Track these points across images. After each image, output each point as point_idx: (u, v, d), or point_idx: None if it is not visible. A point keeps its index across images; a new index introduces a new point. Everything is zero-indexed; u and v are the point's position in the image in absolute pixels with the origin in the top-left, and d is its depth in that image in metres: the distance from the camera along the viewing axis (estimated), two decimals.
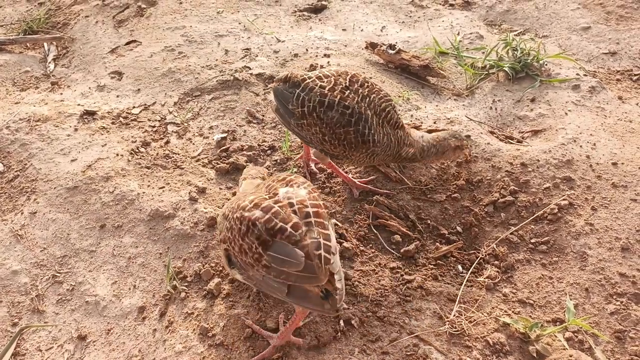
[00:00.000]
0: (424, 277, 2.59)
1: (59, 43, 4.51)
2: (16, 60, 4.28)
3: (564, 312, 2.42)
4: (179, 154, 3.29)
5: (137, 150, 3.28)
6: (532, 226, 2.77)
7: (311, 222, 1.98)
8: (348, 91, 2.61)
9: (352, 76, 2.67)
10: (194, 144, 3.38)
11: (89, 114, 3.55)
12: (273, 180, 2.21)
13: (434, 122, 3.30)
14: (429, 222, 2.86)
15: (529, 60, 3.71)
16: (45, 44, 4.49)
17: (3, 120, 3.49)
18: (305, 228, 1.97)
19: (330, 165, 2.91)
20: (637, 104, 3.44)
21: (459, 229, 2.83)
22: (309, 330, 2.30)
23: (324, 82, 2.64)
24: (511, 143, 3.20)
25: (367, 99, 2.61)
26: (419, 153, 2.74)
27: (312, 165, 3.08)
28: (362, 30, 4.42)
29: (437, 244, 2.76)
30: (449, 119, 3.33)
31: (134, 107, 3.69)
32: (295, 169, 3.06)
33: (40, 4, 5.00)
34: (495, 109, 3.52)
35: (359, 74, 2.71)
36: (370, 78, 3.67)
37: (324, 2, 4.77)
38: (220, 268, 2.59)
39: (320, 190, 2.97)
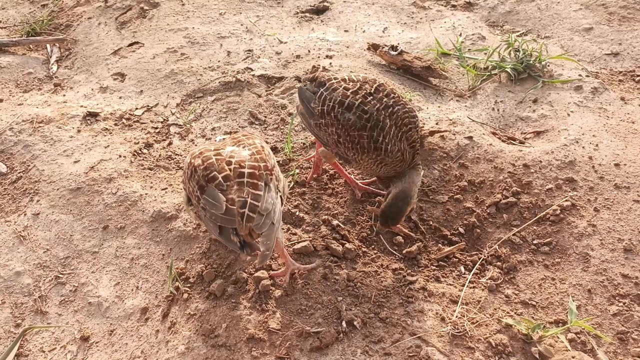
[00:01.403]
0: (426, 278, 2.60)
1: (61, 45, 4.52)
2: (19, 62, 4.30)
3: (567, 313, 2.42)
4: (181, 155, 3.30)
5: (139, 152, 3.29)
6: (535, 227, 2.77)
7: (243, 182, 2.19)
8: (371, 97, 2.57)
9: (379, 85, 2.63)
10: (196, 145, 3.38)
11: (92, 116, 3.56)
12: (230, 137, 2.48)
13: (437, 123, 3.30)
14: (431, 223, 2.86)
15: (531, 61, 3.71)
16: (48, 46, 4.50)
17: (6, 121, 3.50)
18: (237, 186, 2.18)
19: (335, 165, 2.91)
20: (639, 105, 3.44)
21: (461, 230, 2.83)
22: (312, 332, 2.31)
23: (348, 84, 2.62)
24: (513, 144, 3.20)
25: (391, 109, 2.56)
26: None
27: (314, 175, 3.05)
28: (364, 31, 4.42)
29: (440, 245, 2.76)
30: (451, 120, 3.33)
31: (136, 108, 3.70)
32: (297, 170, 3.07)
33: (43, 5, 5.02)
34: (498, 110, 3.52)
35: (388, 84, 2.66)
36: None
37: (325, 4, 4.77)
38: (223, 269, 2.60)
39: (322, 191, 2.97)
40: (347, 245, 2.66)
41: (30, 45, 4.53)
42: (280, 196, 2.34)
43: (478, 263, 2.67)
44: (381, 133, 2.52)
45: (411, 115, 2.61)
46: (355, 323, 2.34)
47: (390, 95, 2.60)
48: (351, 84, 2.63)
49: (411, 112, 2.62)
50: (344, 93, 2.59)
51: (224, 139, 2.57)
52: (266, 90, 3.76)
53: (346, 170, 3.02)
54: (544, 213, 2.79)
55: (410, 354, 2.25)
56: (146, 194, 2.98)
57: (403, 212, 2.52)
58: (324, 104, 2.63)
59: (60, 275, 2.73)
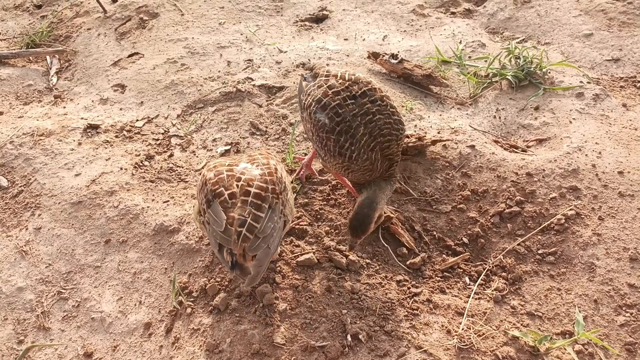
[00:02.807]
0: (431, 289, 2.58)
1: (61, 56, 4.51)
2: (19, 74, 4.29)
3: (573, 324, 2.41)
4: (182, 167, 3.29)
5: (141, 164, 3.28)
6: (539, 237, 2.75)
7: (247, 201, 2.18)
8: (352, 101, 2.49)
9: (370, 89, 2.54)
10: (197, 156, 3.37)
11: (93, 128, 3.55)
12: (247, 154, 2.50)
13: (438, 132, 3.29)
14: (434, 233, 2.85)
15: (532, 68, 3.70)
16: (47, 57, 4.50)
17: (7, 134, 3.49)
18: (241, 204, 2.18)
19: (337, 174, 2.90)
20: None
21: (465, 240, 2.82)
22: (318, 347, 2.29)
23: (337, 81, 2.56)
24: (516, 152, 3.19)
25: (370, 117, 2.47)
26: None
27: (302, 172, 3.06)
28: (363, 39, 4.42)
29: (444, 255, 2.75)
30: (452, 128, 3.32)
31: (137, 120, 3.69)
32: (299, 181, 3.05)
33: (43, 17, 5.01)
34: (499, 117, 3.51)
35: (382, 91, 2.58)
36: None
37: (325, 12, 4.77)
38: (226, 283, 2.58)
39: (325, 202, 2.96)
40: (351, 256, 2.64)
41: (30, 57, 4.52)
42: (284, 221, 2.33)
43: (483, 274, 2.65)
44: (349, 139, 2.45)
45: (394, 127, 2.51)
46: (360, 337, 2.32)
47: (377, 102, 2.51)
48: (340, 81, 2.55)
49: (395, 123, 2.52)
50: (325, 92, 2.53)
51: (228, 150, 2.60)
52: (267, 100, 3.76)
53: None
54: (548, 222, 2.77)
55: None
56: (148, 207, 2.97)
57: (370, 219, 2.43)
58: (306, 98, 2.62)
59: (63, 291, 2.71)
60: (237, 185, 2.23)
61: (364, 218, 2.43)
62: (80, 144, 3.42)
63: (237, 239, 2.12)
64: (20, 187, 3.19)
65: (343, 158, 2.48)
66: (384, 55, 3.93)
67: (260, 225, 2.15)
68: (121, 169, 3.21)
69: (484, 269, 2.68)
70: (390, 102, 2.57)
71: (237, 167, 2.33)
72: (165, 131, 3.59)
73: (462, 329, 2.38)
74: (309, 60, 4.10)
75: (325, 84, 2.57)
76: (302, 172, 3.04)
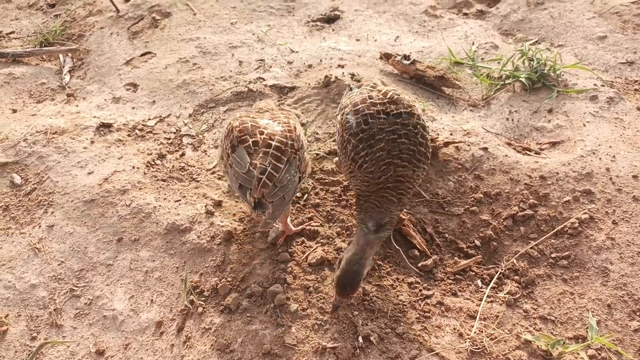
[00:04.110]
0: (442, 292, 2.57)
1: (74, 55, 4.54)
2: (33, 72, 4.32)
3: (586, 328, 2.39)
4: (194, 167, 3.29)
5: (153, 163, 3.29)
6: (553, 240, 2.73)
7: (268, 152, 2.37)
8: (384, 116, 2.46)
9: (407, 112, 2.48)
10: (209, 156, 3.38)
11: (105, 126, 3.57)
12: (270, 113, 2.71)
13: (451, 134, 3.28)
14: (446, 235, 2.84)
15: (545, 71, 3.68)
16: (60, 56, 4.53)
17: (20, 132, 3.52)
18: (262, 154, 2.37)
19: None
20: None
21: (477, 243, 2.80)
22: (329, 348, 2.29)
23: (376, 95, 2.55)
24: (529, 155, 3.17)
25: (395, 136, 2.41)
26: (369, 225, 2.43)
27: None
28: (375, 40, 4.41)
29: (456, 258, 2.74)
30: (465, 130, 3.30)
31: (149, 119, 3.71)
32: (310, 182, 3.05)
33: (56, 15, 5.05)
34: (512, 120, 3.49)
35: (417, 119, 2.49)
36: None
37: (337, 12, 4.77)
38: (237, 282, 2.58)
39: (336, 203, 2.95)
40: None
41: (44, 56, 4.56)
42: (300, 176, 2.50)
43: (495, 277, 2.63)
44: (366, 148, 2.42)
45: (415, 157, 2.43)
46: (371, 338, 2.32)
47: (408, 127, 2.44)
48: (380, 96, 2.54)
49: (419, 154, 2.44)
50: (364, 99, 2.55)
51: (262, 109, 2.85)
52: (279, 100, 3.76)
53: None
54: (561, 226, 2.75)
55: None
56: (160, 205, 2.98)
57: (360, 277, 2.28)
58: (345, 101, 2.66)
59: (75, 288, 2.72)
60: (261, 138, 2.42)
61: (354, 276, 2.27)
62: (92, 142, 3.44)
63: (257, 184, 2.28)
64: (34, 184, 3.22)
65: (354, 164, 2.47)
66: (396, 56, 3.92)
67: (278, 175, 2.32)
68: (133, 167, 3.23)
69: (497, 272, 2.66)
70: (424, 133, 2.49)
71: (261, 120, 2.54)
72: (177, 130, 3.60)
73: (475, 332, 2.36)
74: (320, 61, 4.10)
75: (367, 93, 2.58)
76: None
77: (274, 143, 2.40)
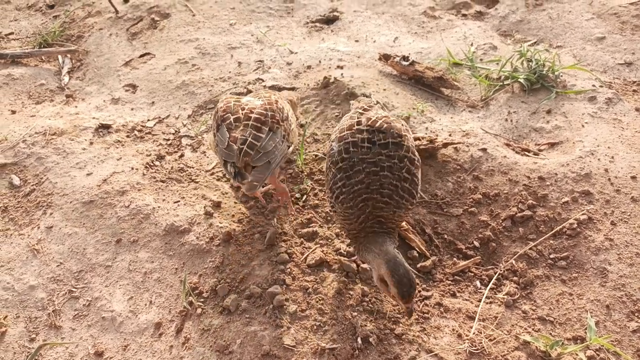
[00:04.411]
0: (441, 293, 2.57)
1: (73, 56, 4.54)
2: (32, 74, 4.32)
3: (585, 329, 2.39)
4: (193, 168, 3.29)
5: (152, 164, 3.29)
6: (551, 241, 2.73)
7: (248, 124, 2.53)
8: (369, 145, 2.29)
9: (395, 143, 2.30)
10: (208, 157, 3.38)
11: (104, 127, 3.57)
12: (254, 92, 2.95)
13: (449, 135, 3.28)
14: (445, 236, 2.84)
15: (544, 72, 3.68)
16: (60, 57, 4.52)
17: (19, 134, 3.51)
18: (243, 127, 2.53)
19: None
20: None
21: (476, 243, 2.80)
22: (328, 349, 2.29)
23: (363, 121, 2.38)
24: (528, 156, 3.17)
25: (376, 169, 2.24)
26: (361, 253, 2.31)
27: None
28: (374, 41, 4.41)
29: (455, 259, 2.74)
30: (464, 131, 3.30)
31: (148, 120, 3.71)
32: (309, 182, 3.05)
33: (55, 17, 5.05)
34: (511, 120, 3.49)
35: (406, 151, 2.30)
36: (384, 89, 3.67)
37: (336, 13, 4.77)
38: (236, 284, 2.58)
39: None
40: (363, 265, 2.63)
41: (43, 57, 4.56)
42: (288, 145, 2.65)
43: (494, 278, 2.64)
44: (344, 179, 2.26)
45: (398, 193, 2.24)
46: (370, 339, 2.32)
47: (393, 159, 2.26)
48: (369, 123, 2.37)
49: (403, 190, 2.25)
50: (351, 124, 2.40)
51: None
52: None
53: None
54: (560, 227, 2.76)
55: None
56: (159, 207, 2.98)
57: (409, 271, 2.09)
58: (338, 126, 2.54)
59: (74, 290, 2.72)
60: (242, 114, 2.58)
61: (408, 276, 2.07)
62: (91, 143, 3.44)
63: (239, 154, 2.44)
64: (32, 185, 3.21)
65: (332, 194, 2.33)
66: (395, 57, 3.92)
67: (260, 143, 2.47)
68: (132, 168, 3.23)
69: (495, 273, 2.66)
70: (410, 167, 2.29)
71: (243, 99, 2.73)
72: (176, 131, 3.60)
73: (473, 333, 2.37)
74: (319, 62, 4.10)
75: (356, 119, 2.43)
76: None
77: (253, 115, 2.56)
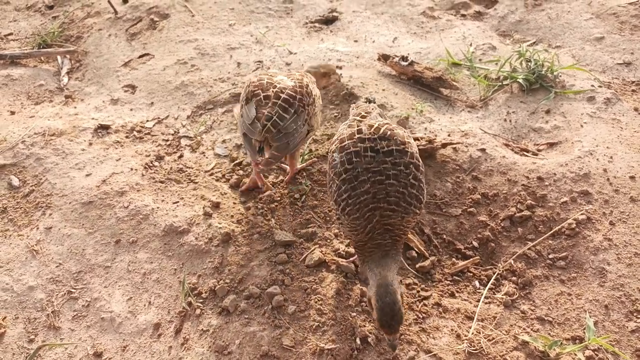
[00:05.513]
0: (440, 293, 2.57)
1: (72, 56, 4.54)
2: (31, 74, 4.32)
3: (584, 329, 2.39)
4: (192, 168, 3.29)
5: (151, 165, 3.29)
6: (550, 241, 2.74)
7: (276, 103, 2.65)
8: (372, 154, 2.23)
9: (399, 150, 2.25)
10: (207, 157, 3.38)
11: (103, 128, 3.57)
12: (288, 73, 2.98)
13: (448, 135, 3.28)
14: (444, 236, 2.84)
15: (543, 72, 3.68)
16: (59, 58, 4.52)
17: (18, 134, 3.51)
18: (271, 105, 2.65)
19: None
20: None
21: (475, 244, 2.81)
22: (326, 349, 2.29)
23: (365, 129, 2.32)
24: (527, 156, 3.18)
25: (382, 177, 2.19)
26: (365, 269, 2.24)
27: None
28: (373, 41, 4.42)
29: (453, 259, 2.74)
30: (463, 131, 3.31)
31: (147, 120, 3.71)
32: (308, 182, 3.05)
33: (54, 17, 5.05)
34: (510, 121, 3.50)
35: (410, 157, 2.26)
36: (383, 90, 3.67)
37: (335, 14, 4.78)
38: (235, 284, 2.58)
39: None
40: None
41: (42, 57, 4.56)
42: (308, 130, 2.77)
43: (493, 278, 2.64)
44: (349, 191, 2.20)
45: (405, 199, 2.19)
46: (369, 340, 2.32)
47: (399, 167, 2.21)
48: (371, 130, 2.31)
49: (410, 196, 2.20)
50: (352, 133, 2.32)
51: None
52: None
53: None
54: (559, 227, 2.76)
55: None
56: (158, 207, 2.98)
57: (398, 304, 2.02)
58: (337, 136, 2.44)
59: (73, 290, 2.72)
60: (273, 92, 2.70)
61: (392, 308, 2.01)
62: (91, 144, 3.44)
63: (261, 129, 2.58)
64: (32, 186, 3.21)
65: (337, 206, 2.26)
66: (394, 57, 3.92)
67: (283, 123, 2.60)
68: (131, 169, 3.23)
69: (494, 273, 2.66)
70: (416, 174, 2.25)
71: (276, 77, 2.82)
72: (175, 132, 3.60)
73: (472, 334, 2.37)
74: (321, 62, 4.10)
75: (356, 127, 2.36)
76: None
77: (283, 95, 2.67)
